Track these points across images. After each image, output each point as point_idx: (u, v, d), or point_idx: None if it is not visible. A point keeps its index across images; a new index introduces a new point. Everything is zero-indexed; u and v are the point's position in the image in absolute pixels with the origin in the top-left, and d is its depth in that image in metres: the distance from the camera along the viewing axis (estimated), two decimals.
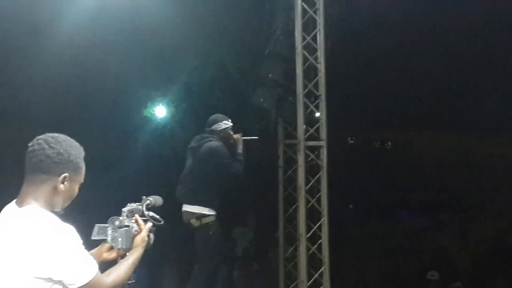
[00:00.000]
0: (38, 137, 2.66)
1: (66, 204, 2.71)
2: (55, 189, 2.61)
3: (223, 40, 10.28)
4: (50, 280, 2.50)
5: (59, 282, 2.52)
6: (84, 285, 2.53)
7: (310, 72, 7.67)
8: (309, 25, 7.59)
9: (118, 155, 12.36)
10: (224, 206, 6.11)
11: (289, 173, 8.29)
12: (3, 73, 10.10)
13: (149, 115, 13.24)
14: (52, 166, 2.59)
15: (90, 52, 10.08)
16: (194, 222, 5.93)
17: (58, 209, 2.66)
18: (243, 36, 9.69)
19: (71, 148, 2.66)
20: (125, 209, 3.00)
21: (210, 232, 5.92)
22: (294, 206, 7.99)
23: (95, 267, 2.59)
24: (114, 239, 2.90)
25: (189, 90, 11.96)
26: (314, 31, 7.58)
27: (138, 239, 2.92)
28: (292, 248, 8.17)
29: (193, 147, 6.15)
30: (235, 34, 9.91)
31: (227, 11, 9.58)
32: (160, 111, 13.15)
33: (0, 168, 10.51)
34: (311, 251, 7.58)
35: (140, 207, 3.06)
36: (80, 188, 2.74)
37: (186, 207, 5.99)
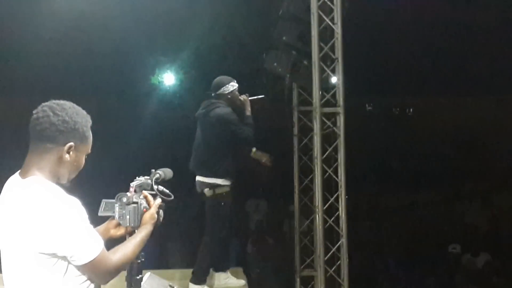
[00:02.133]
0: (43, 103, 2.62)
1: (73, 176, 2.68)
2: (60, 159, 2.58)
3: (233, 2, 10.18)
4: (54, 255, 2.48)
5: (63, 258, 2.50)
6: (89, 262, 2.50)
7: (326, 34, 7.57)
8: None
9: (125, 125, 12.38)
10: (238, 176, 6.09)
11: (304, 141, 8.25)
12: (3, 39, 10.10)
13: (157, 83, 13.20)
14: (56, 135, 2.56)
15: (93, 16, 10.03)
16: (207, 191, 5.91)
17: (64, 181, 2.63)
18: None
19: (77, 115, 2.62)
20: (133, 184, 2.95)
21: (222, 203, 5.90)
22: (310, 176, 7.97)
23: (101, 243, 2.56)
24: (122, 216, 2.86)
25: (199, 55, 11.90)
26: None
27: (146, 216, 2.88)
28: (308, 221, 8.17)
29: (200, 114, 6.09)
30: None
31: None
32: (169, 78, 13.11)
33: (2, 139, 10.58)
34: (328, 224, 7.58)
35: (149, 181, 3.01)
36: (86, 161, 2.72)
37: (200, 177, 5.98)
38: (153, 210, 2.91)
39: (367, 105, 15.13)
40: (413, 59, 12.14)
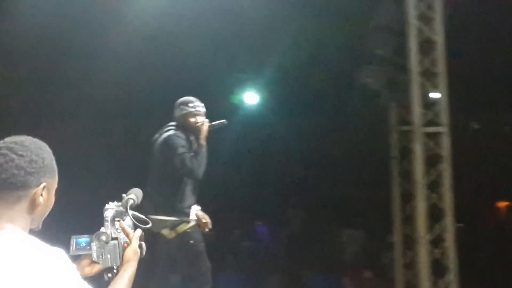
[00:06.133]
0: None
1: (44, 217, 2.55)
2: (33, 204, 2.45)
3: (321, 13, 10.29)
4: None
5: None
6: None
7: (426, 46, 7.58)
8: None
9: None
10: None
11: (404, 165, 8.24)
12: (74, 63, 10.56)
13: (238, 102, 13.39)
14: (27, 178, 2.41)
15: (169, 34, 10.36)
16: (168, 233, 5.50)
17: (35, 226, 2.51)
18: (344, 7, 9.67)
19: (42, 150, 2.48)
20: (107, 216, 2.83)
21: (191, 242, 5.51)
22: (411, 203, 7.95)
23: None
24: (101, 256, 2.76)
25: (283, 72, 12.04)
26: None
27: (129, 252, 2.80)
28: (411, 252, 8.13)
29: (153, 140, 5.82)
30: (335, 5, 9.90)
31: None
32: (250, 97, 13.27)
33: None
34: (434, 256, 7.53)
35: (121, 208, 2.90)
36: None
37: (154, 216, 5.23)
38: (135, 245, 2.84)
39: (473, 123, 14.88)
40: None
